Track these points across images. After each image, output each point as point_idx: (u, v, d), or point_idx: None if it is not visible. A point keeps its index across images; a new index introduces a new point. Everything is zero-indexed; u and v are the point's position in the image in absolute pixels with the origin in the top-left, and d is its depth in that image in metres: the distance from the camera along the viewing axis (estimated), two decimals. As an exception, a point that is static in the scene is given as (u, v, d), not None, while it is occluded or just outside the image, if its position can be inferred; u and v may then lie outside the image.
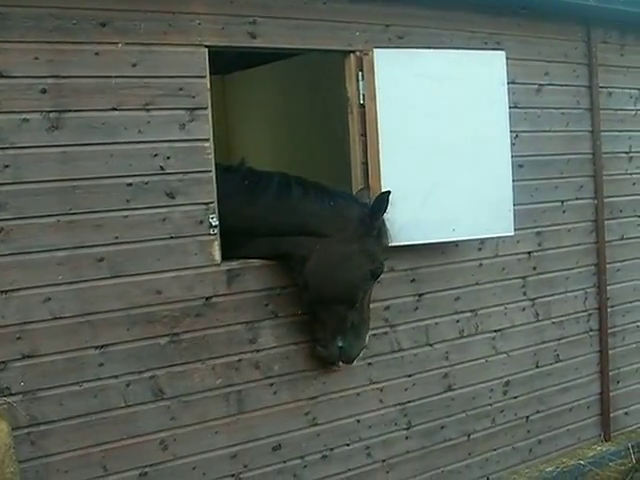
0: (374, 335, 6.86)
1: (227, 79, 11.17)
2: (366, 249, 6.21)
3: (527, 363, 8.01)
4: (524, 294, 7.93)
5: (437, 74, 6.82)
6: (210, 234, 6.01)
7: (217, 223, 6.04)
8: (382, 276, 6.70)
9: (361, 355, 6.55)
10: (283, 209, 6.18)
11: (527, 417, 8.05)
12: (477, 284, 7.55)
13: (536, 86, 7.87)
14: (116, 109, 5.65)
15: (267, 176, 6.37)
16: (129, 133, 5.71)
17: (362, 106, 6.70)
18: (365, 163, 6.76)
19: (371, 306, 6.50)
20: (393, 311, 7.03)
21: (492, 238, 7.49)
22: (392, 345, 7.05)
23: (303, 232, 6.16)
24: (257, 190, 6.23)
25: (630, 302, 8.88)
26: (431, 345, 7.30)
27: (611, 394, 8.70)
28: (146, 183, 5.77)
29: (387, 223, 6.40)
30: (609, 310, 8.62)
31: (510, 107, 7.35)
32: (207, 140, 6.02)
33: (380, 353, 6.98)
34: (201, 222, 5.98)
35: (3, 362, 5.35)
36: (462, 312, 7.48)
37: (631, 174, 8.78)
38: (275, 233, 6.18)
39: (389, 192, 6.05)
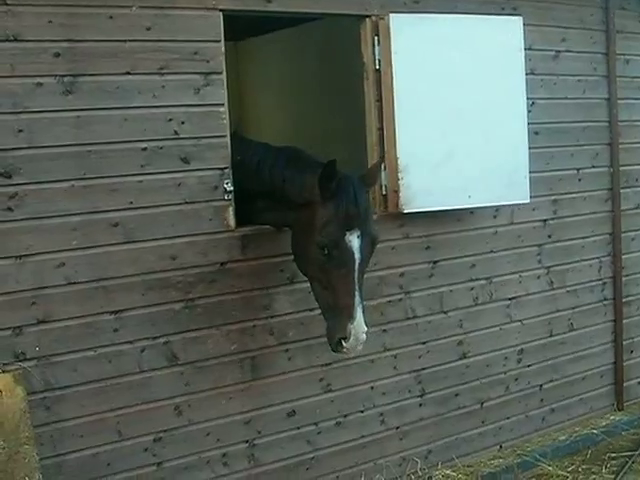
0: (389, 302, 6.88)
1: (240, 45, 11.10)
2: (315, 220, 5.61)
3: (541, 331, 7.99)
4: (539, 262, 7.90)
5: (453, 40, 6.77)
6: (225, 199, 5.99)
7: (232, 189, 6.02)
8: (397, 242, 6.71)
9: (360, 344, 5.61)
10: (260, 180, 6.08)
11: (541, 386, 8.04)
12: (492, 252, 7.52)
13: (553, 53, 7.81)
14: (130, 73, 5.63)
15: (252, 147, 6.35)
16: (143, 97, 5.68)
17: (378, 71, 6.67)
18: (380, 129, 6.73)
19: (382, 275, 6.45)
20: (408, 278, 7.01)
21: (507, 205, 7.45)
22: (406, 312, 7.04)
23: (285, 203, 5.93)
24: (244, 162, 6.18)
25: (645, 271, 8.83)
26: (445, 312, 7.28)
27: (624, 363, 8.68)
28: (161, 148, 5.75)
29: (358, 196, 5.65)
30: (624, 279, 8.58)
31: (527, 74, 7.29)
32: (222, 105, 5.99)
33: (394, 320, 6.98)
34: (216, 187, 5.96)
35: (18, 327, 5.36)
36: (477, 280, 7.46)
37: (647, 142, 8.71)
38: (271, 205, 6.10)
39: (334, 161, 5.49)
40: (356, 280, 5.48)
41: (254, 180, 6.08)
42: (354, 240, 5.48)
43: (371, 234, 5.60)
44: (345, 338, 5.41)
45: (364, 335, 5.44)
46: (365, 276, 5.65)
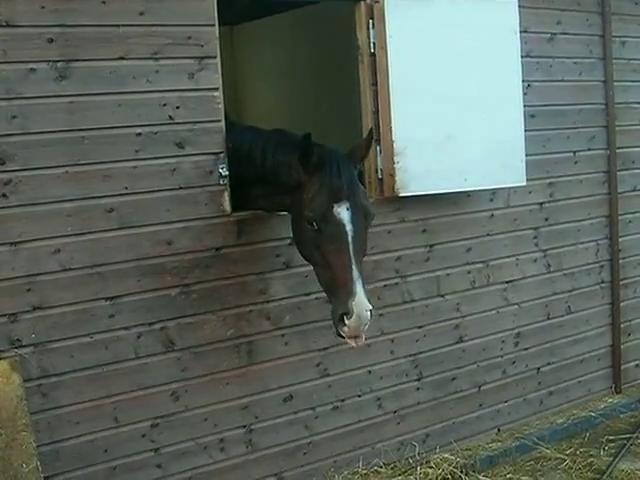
0: (385, 286, 6.87)
1: (235, 30, 11.07)
2: (302, 197, 5.55)
3: (538, 315, 7.99)
4: (536, 245, 7.89)
5: (449, 22, 6.74)
6: (220, 184, 5.97)
7: (227, 173, 6.00)
8: (393, 226, 6.71)
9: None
10: (253, 165, 6.04)
11: (538, 369, 8.05)
12: (488, 235, 7.51)
13: (548, 35, 7.78)
14: (124, 58, 5.60)
15: (242, 132, 6.33)
16: (137, 82, 5.66)
17: (373, 55, 6.65)
18: (376, 113, 6.71)
19: (378, 259, 6.44)
20: (404, 262, 7.00)
21: (504, 188, 7.44)
22: (403, 296, 7.03)
23: (279, 187, 5.88)
24: (235, 149, 6.15)
25: (642, 254, 8.83)
26: (442, 296, 7.28)
27: (622, 346, 8.68)
28: (155, 133, 5.73)
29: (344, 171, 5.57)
30: (621, 262, 8.57)
31: (522, 56, 7.27)
32: (216, 89, 5.96)
33: (391, 304, 6.97)
34: (211, 172, 5.94)
35: (14, 314, 5.35)
36: (473, 263, 7.45)
37: (644, 125, 8.70)
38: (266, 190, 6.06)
39: (309, 134, 5.49)
40: (352, 254, 5.33)
41: (247, 166, 6.06)
42: (343, 212, 5.38)
43: (363, 207, 5.49)
44: (347, 314, 5.20)
45: (368, 313, 5.23)
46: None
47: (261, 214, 6.19)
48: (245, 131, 6.41)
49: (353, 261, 5.32)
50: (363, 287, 5.27)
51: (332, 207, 5.38)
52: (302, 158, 5.49)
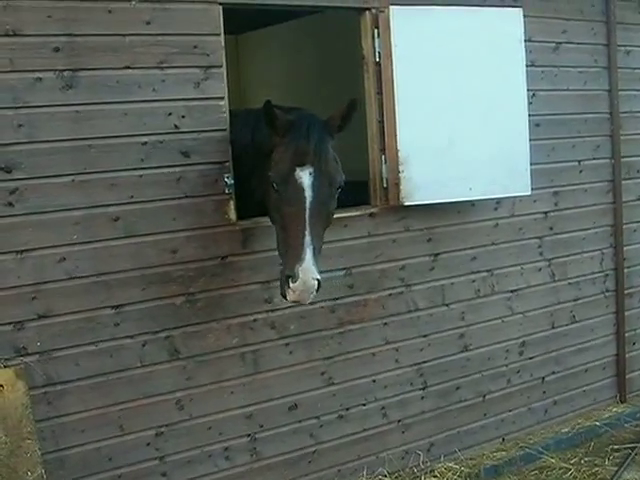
0: (389, 295, 6.88)
1: (240, 39, 11.09)
2: (271, 159, 5.55)
3: (543, 324, 7.98)
4: (540, 254, 7.88)
5: (454, 31, 6.75)
6: (225, 193, 5.99)
7: (232, 182, 6.00)
8: (398, 235, 6.74)
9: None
10: (247, 146, 6.07)
11: (543, 378, 8.04)
12: (493, 244, 7.51)
13: (553, 44, 7.79)
14: (130, 67, 5.62)
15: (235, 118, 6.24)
16: (143, 92, 5.68)
17: (378, 64, 6.65)
18: (381, 121, 6.71)
19: (383, 268, 6.42)
20: (409, 271, 7.00)
21: (508, 198, 7.44)
22: (408, 305, 7.03)
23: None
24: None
25: (646, 263, 8.82)
26: (447, 305, 7.28)
27: (627, 355, 8.67)
28: (161, 142, 5.75)
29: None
30: (625, 271, 8.56)
31: (527, 65, 7.27)
32: (222, 99, 5.99)
33: (396, 313, 6.97)
34: (216, 181, 5.95)
35: (19, 322, 5.37)
36: (478, 272, 7.45)
37: (649, 133, 8.69)
38: None
39: (268, 101, 5.44)
40: (307, 219, 5.27)
41: (244, 149, 6.05)
42: (305, 177, 5.35)
43: (328, 173, 5.43)
44: (292, 277, 5.14)
45: (314, 282, 5.16)
46: (323, 225, 5.47)
47: (266, 222, 6.18)
48: (237, 116, 6.28)
49: (307, 227, 5.27)
50: (313, 254, 5.19)
51: (294, 170, 5.37)
52: (268, 123, 5.50)
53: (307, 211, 5.30)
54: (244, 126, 6.13)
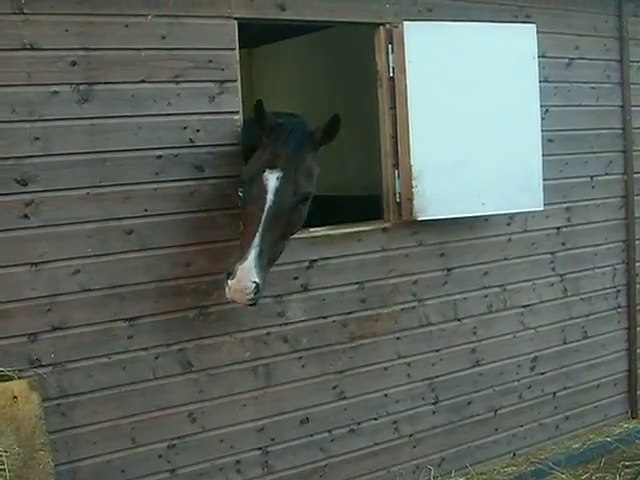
0: (402, 310, 6.88)
1: (254, 53, 11.12)
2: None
3: (555, 339, 7.97)
4: (553, 270, 7.88)
5: (467, 47, 6.76)
6: (238, 207, 5.98)
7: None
8: (410, 250, 6.75)
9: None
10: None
11: (554, 393, 8.02)
12: (506, 259, 7.51)
13: (566, 60, 7.80)
14: (145, 81, 5.66)
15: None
16: (158, 105, 5.71)
17: (392, 79, 6.67)
18: (394, 137, 6.73)
19: (395, 282, 6.42)
20: (421, 285, 7.01)
21: (521, 213, 7.45)
22: (420, 319, 7.04)
23: None
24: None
25: (659, 279, 8.80)
26: (459, 320, 7.28)
27: (638, 371, 8.65)
28: (175, 156, 5.77)
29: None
30: (638, 287, 8.55)
31: (540, 81, 7.29)
32: (236, 113, 6.02)
33: (408, 327, 6.97)
34: (230, 195, 5.96)
35: (34, 334, 5.39)
36: (490, 287, 7.45)
37: (662, 150, 8.68)
38: None
39: (259, 100, 5.52)
40: (262, 221, 5.25)
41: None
42: (271, 179, 5.36)
43: (295, 182, 5.42)
44: (230, 274, 5.17)
45: (251, 284, 5.13)
46: (293, 237, 5.59)
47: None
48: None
49: (261, 228, 5.25)
50: (259, 257, 5.17)
51: (263, 172, 5.40)
52: (257, 122, 5.55)
53: (264, 213, 5.31)
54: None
